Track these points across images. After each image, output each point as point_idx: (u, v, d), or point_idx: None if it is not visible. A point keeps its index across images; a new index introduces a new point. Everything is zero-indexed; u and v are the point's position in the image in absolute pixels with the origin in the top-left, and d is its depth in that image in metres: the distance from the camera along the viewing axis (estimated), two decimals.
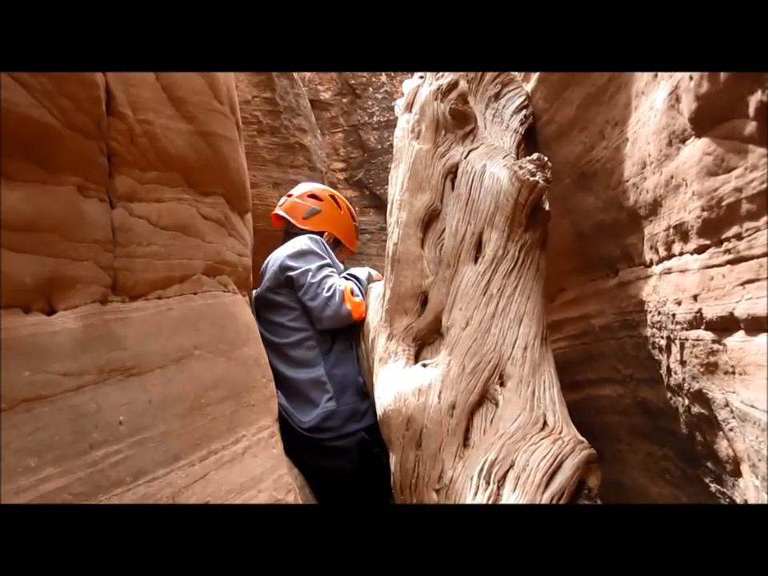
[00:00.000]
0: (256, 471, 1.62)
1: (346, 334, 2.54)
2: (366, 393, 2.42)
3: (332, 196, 2.92)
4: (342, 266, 2.77)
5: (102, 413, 1.28)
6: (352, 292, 2.50)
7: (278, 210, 2.87)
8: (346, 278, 2.63)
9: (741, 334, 1.39)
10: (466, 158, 2.10)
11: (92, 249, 1.33)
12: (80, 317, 1.28)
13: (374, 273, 2.83)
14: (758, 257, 1.29)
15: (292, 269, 2.50)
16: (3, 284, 1.12)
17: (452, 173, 2.09)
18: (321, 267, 2.52)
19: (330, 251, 2.67)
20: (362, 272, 2.74)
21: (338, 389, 2.39)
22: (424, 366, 1.91)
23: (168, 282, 1.57)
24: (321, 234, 2.75)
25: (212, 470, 1.49)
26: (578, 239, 2.37)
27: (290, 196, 2.91)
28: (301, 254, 2.55)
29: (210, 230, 1.77)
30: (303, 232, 2.73)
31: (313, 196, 2.86)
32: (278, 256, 2.59)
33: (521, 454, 1.66)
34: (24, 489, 1.10)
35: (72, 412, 1.22)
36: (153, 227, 1.52)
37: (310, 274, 2.48)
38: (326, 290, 2.44)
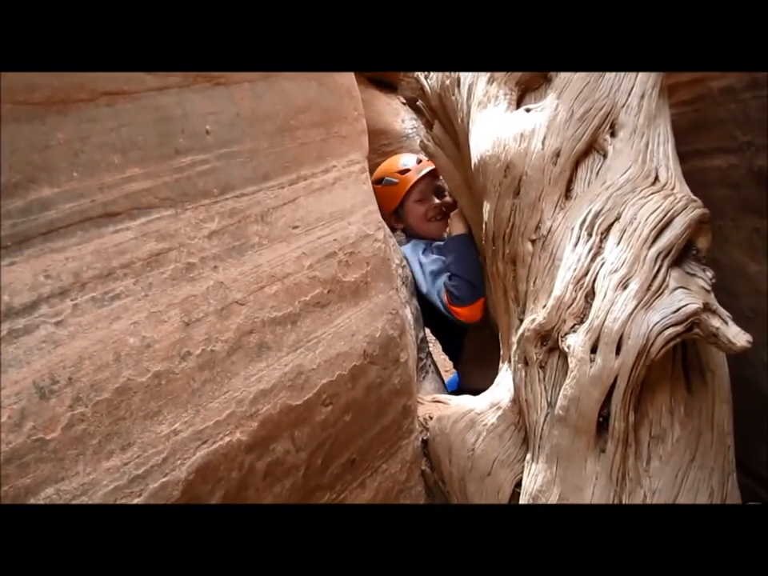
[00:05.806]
0: (346, 204, 1.54)
1: None
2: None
3: (376, 181, 2.63)
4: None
5: (188, 118, 1.20)
6: (449, 297, 2.36)
7: None
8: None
9: None
10: None
11: None
12: None
13: None
14: None
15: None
16: None
17: None
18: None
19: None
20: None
21: None
22: (528, 110, 1.74)
23: None
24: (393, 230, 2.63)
25: (301, 195, 1.42)
26: None
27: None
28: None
29: None
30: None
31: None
32: None
33: (628, 207, 1.53)
34: (108, 186, 1.05)
35: (156, 113, 1.14)
36: None
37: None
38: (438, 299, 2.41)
